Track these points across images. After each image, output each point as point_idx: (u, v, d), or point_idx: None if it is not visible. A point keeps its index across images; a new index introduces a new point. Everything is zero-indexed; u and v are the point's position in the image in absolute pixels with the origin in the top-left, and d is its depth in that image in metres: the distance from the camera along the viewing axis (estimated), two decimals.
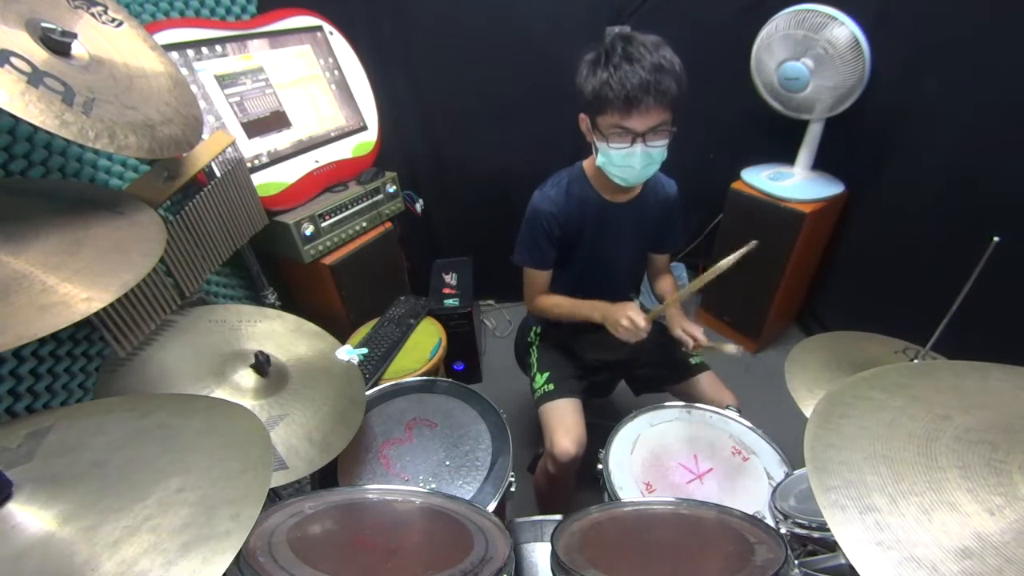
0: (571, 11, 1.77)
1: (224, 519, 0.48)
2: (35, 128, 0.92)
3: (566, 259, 1.23)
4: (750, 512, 0.68)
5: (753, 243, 0.94)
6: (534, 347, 1.38)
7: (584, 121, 1.06)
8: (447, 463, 0.98)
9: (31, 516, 0.46)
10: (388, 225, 1.77)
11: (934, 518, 0.43)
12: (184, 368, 0.87)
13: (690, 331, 1.21)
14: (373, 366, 1.41)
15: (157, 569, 0.43)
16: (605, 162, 1.05)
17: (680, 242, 1.35)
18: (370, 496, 0.70)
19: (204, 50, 1.35)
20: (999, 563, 0.39)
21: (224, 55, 1.40)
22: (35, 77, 0.64)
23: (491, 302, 2.46)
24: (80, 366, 1.01)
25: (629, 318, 1.05)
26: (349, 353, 1.05)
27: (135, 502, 0.48)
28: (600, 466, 0.99)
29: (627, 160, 1.01)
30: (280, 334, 1.03)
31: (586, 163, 1.18)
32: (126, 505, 0.48)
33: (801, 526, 0.76)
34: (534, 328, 1.41)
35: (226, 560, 0.44)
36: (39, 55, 0.67)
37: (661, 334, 1.33)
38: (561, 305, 1.22)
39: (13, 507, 0.47)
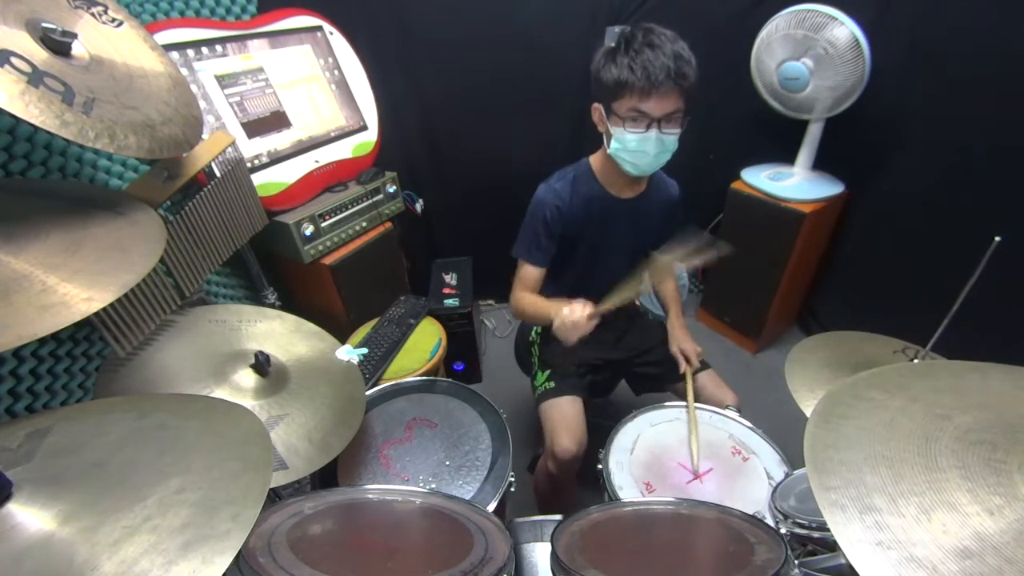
0: (571, 11, 1.77)
1: (224, 519, 0.48)
2: (35, 128, 0.92)
3: (568, 256, 1.23)
4: (750, 512, 0.68)
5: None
6: (535, 346, 1.38)
7: (597, 110, 1.06)
8: (447, 463, 0.98)
9: (31, 516, 0.46)
10: (388, 225, 1.77)
11: (934, 518, 0.43)
12: (184, 368, 0.87)
13: (686, 352, 1.25)
14: (373, 366, 1.41)
15: (157, 569, 0.43)
16: (619, 148, 1.04)
17: None
18: (370, 496, 0.70)
19: (204, 50, 1.35)
20: (999, 563, 0.39)
21: (224, 55, 1.40)
22: (35, 77, 0.64)
23: (491, 302, 2.46)
24: (80, 366, 1.01)
25: (570, 307, 1.00)
26: (349, 353, 1.05)
27: (135, 502, 0.48)
28: (600, 466, 0.99)
29: (642, 146, 1.01)
30: (280, 334, 1.03)
31: (592, 158, 1.18)
32: (126, 505, 0.48)
33: (801, 526, 0.76)
34: (535, 328, 1.41)
35: (226, 560, 0.44)
36: (39, 55, 0.67)
37: (663, 333, 1.34)
38: (535, 304, 1.18)
39: (13, 507, 0.47)
